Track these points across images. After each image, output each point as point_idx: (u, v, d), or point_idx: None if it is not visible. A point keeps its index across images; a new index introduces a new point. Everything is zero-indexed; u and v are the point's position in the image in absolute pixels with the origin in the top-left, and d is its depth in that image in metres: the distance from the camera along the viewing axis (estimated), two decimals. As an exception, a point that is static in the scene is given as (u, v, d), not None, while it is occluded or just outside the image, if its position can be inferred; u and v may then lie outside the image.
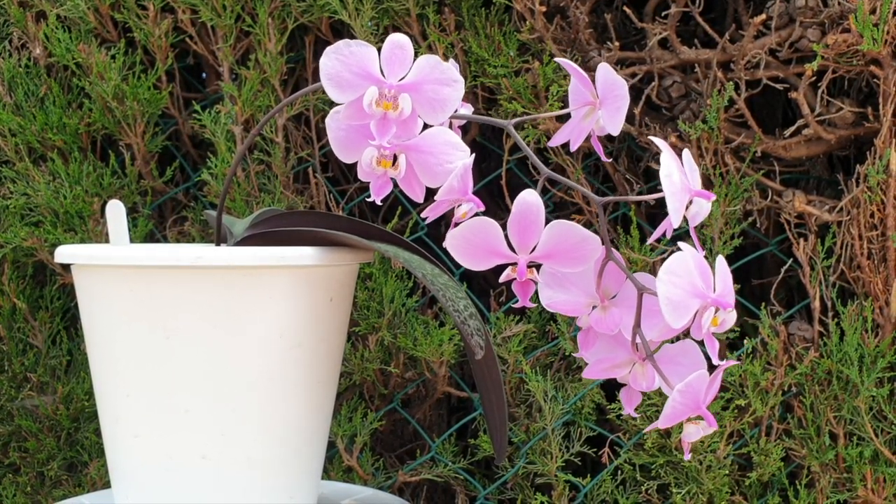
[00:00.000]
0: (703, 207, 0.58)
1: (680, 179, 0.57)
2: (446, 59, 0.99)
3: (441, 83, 0.59)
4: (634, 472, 0.98)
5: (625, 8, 0.93)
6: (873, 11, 0.84)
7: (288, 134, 1.04)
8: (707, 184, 0.96)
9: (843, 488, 0.94)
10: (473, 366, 0.75)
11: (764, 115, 1.05)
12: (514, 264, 0.59)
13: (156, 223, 1.11)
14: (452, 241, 0.58)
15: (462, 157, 0.60)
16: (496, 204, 1.10)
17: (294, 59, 1.06)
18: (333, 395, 0.70)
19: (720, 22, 1.03)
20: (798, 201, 0.93)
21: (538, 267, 0.61)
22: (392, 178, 0.60)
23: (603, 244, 0.60)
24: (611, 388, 1.01)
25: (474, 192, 1.08)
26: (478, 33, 0.97)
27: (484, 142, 1.07)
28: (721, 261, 0.58)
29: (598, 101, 0.63)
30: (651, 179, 1.03)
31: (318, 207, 1.03)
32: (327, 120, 0.62)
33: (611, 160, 1.03)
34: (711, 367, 0.59)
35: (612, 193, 1.04)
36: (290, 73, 1.07)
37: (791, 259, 0.97)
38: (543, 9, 0.92)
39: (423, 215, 0.62)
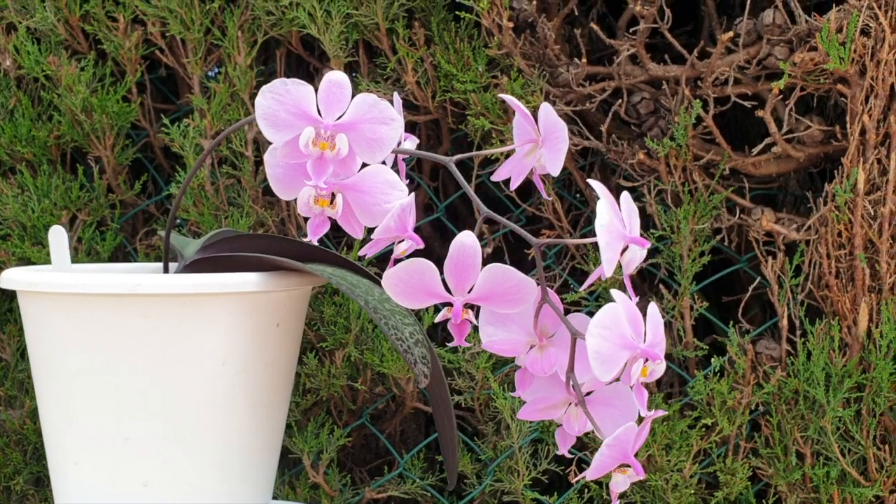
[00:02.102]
0: (636, 254, 0.58)
1: (615, 229, 0.57)
2: (415, 72, 0.99)
3: (379, 122, 0.59)
4: (601, 491, 0.97)
5: (592, 25, 0.92)
6: (840, 30, 0.84)
7: (259, 147, 1.03)
8: (676, 200, 0.96)
9: (811, 508, 0.93)
10: (432, 388, 0.75)
11: (742, 131, 1.05)
12: (450, 305, 0.59)
13: (128, 236, 1.10)
14: (388, 282, 0.58)
15: (399, 197, 0.60)
16: (473, 218, 1.09)
17: (266, 73, 1.06)
18: (283, 418, 0.69)
19: (697, 35, 1.02)
20: (765, 220, 0.92)
21: (474, 307, 0.60)
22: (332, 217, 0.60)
23: (539, 285, 0.60)
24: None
25: (448, 205, 1.08)
26: (447, 48, 0.96)
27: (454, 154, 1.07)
28: (653, 309, 0.58)
29: (541, 140, 0.63)
30: (622, 195, 1.02)
31: (288, 222, 1.03)
32: (265, 157, 0.61)
33: (583, 174, 1.02)
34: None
35: (585, 207, 1.03)
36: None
37: (758, 277, 0.96)
38: (511, 24, 0.92)
39: (360, 253, 0.62)
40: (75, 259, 1.03)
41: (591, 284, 0.61)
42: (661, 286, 0.98)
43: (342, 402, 1.02)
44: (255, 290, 0.62)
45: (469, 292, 0.59)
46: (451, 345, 0.61)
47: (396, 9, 0.96)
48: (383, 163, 0.62)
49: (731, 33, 0.87)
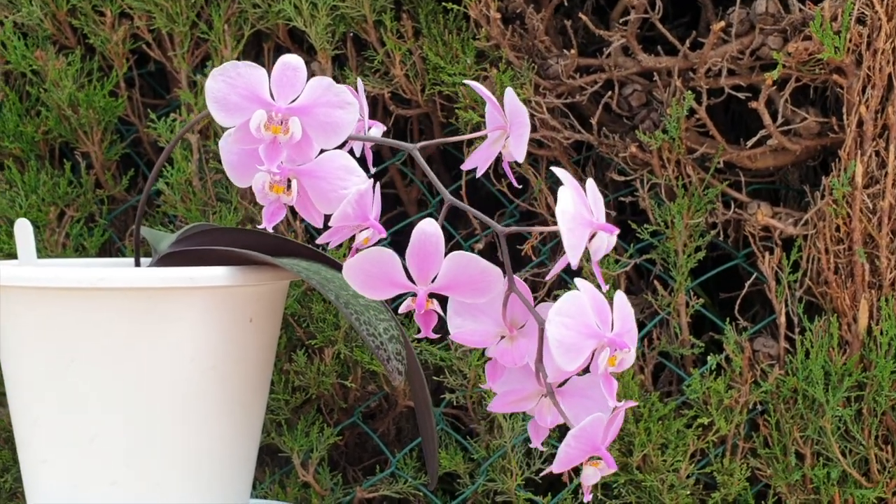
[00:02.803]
0: (604, 241, 0.56)
1: (577, 214, 0.55)
2: (404, 65, 0.97)
3: (334, 106, 0.57)
4: (596, 491, 0.95)
5: (581, 15, 0.90)
6: (834, 18, 0.81)
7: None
8: (670, 194, 0.94)
9: (811, 510, 0.91)
10: (410, 385, 0.73)
11: (746, 122, 1.02)
12: (414, 295, 0.57)
13: (119, 232, 1.09)
14: (349, 272, 0.56)
15: (357, 183, 0.58)
16: (467, 215, 1.07)
17: (255, 66, 1.05)
18: (259, 416, 0.68)
19: (695, 27, 1.00)
20: (761, 214, 0.90)
21: (439, 297, 0.59)
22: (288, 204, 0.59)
23: (505, 275, 0.58)
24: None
25: (442, 201, 1.06)
26: (435, 40, 0.95)
27: (452, 150, 1.05)
28: (620, 297, 0.56)
29: (508, 125, 0.61)
30: (617, 189, 1.00)
31: (277, 217, 1.01)
32: (220, 142, 0.60)
33: (578, 169, 1.00)
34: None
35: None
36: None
37: (756, 273, 0.94)
38: (498, 16, 0.90)
39: (318, 241, 0.60)
40: (62, 255, 1.02)
41: (556, 275, 0.59)
42: (655, 282, 0.96)
43: (333, 401, 1.00)
44: (224, 284, 0.61)
45: (433, 282, 0.57)
46: (418, 336, 0.60)
47: (384, 0, 0.94)
48: (351, 152, 0.60)
49: (722, 23, 0.85)
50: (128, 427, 0.60)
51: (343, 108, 0.57)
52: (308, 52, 1.02)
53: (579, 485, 0.96)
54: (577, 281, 0.55)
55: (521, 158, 0.60)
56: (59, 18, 1.03)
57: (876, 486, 0.88)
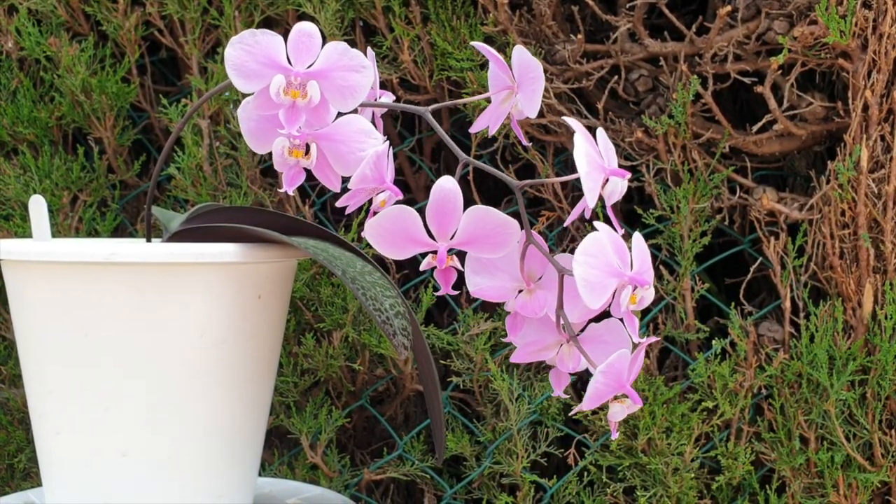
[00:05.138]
0: (617, 186, 0.58)
1: (593, 159, 0.57)
2: (412, 51, 0.98)
3: (350, 69, 0.59)
4: (601, 474, 0.96)
5: (588, 0, 0.91)
6: (840, 2, 0.82)
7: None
8: (676, 180, 0.94)
9: (815, 493, 0.91)
10: (417, 360, 0.74)
11: (754, 111, 1.03)
12: (435, 252, 0.59)
13: (131, 217, 1.11)
14: (371, 231, 0.58)
15: (374, 145, 0.59)
16: (474, 200, 1.08)
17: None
18: (268, 393, 0.69)
19: (704, 14, 1.01)
20: (766, 199, 0.90)
21: (459, 254, 0.60)
22: (307, 168, 0.60)
23: (522, 228, 0.59)
24: (579, 387, 0.99)
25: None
26: (443, 26, 0.95)
27: (455, 134, 1.06)
28: (638, 238, 0.58)
29: (516, 85, 0.62)
30: (624, 175, 1.01)
31: (286, 203, 1.02)
32: (238, 111, 0.61)
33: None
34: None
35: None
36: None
37: (761, 258, 0.94)
38: (506, 1, 0.91)
39: (338, 204, 0.62)
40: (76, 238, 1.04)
41: (574, 221, 0.61)
42: (661, 268, 0.96)
43: (341, 384, 1.01)
44: (233, 260, 0.62)
45: (452, 237, 0.58)
46: (438, 293, 0.61)
47: (393, -14, 0.95)
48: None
49: (728, 7, 0.86)
50: (140, 399, 0.61)
51: (359, 71, 0.59)
52: (318, 39, 1.03)
53: (584, 467, 0.97)
54: (597, 224, 0.57)
55: (533, 114, 0.62)
56: (73, 5, 1.04)
57: (879, 469, 0.89)
